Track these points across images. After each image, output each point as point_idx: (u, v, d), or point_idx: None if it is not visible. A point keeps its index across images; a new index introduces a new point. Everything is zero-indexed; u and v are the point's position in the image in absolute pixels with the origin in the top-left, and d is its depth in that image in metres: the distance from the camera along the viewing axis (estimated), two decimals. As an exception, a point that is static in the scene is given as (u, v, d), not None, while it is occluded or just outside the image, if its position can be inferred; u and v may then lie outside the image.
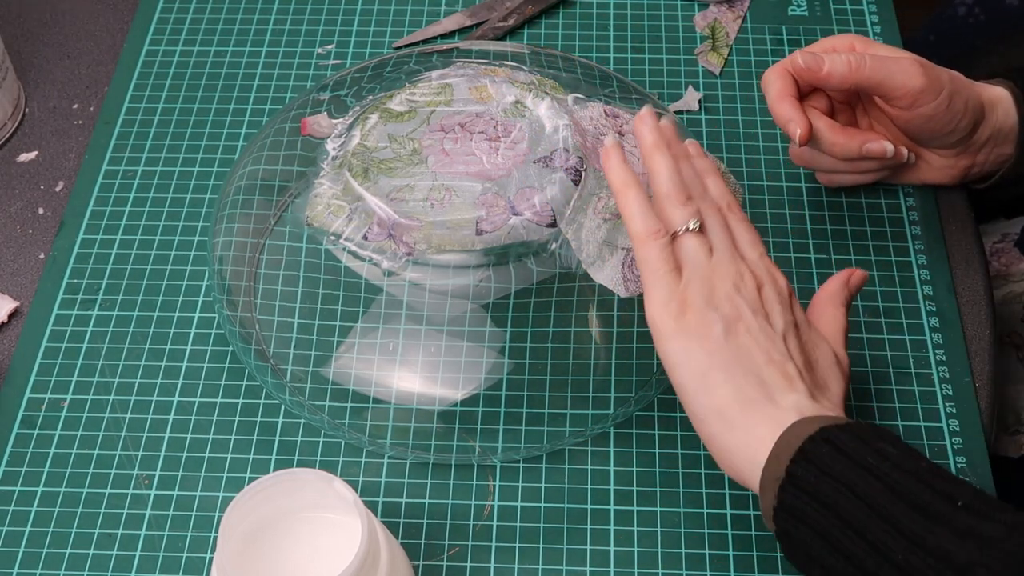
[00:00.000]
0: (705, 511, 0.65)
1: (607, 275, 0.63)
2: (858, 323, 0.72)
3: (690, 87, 0.84)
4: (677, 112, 0.82)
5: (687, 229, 0.60)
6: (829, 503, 0.53)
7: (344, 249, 0.64)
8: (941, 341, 0.71)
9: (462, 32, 0.89)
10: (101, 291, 0.74)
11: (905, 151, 0.73)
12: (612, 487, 0.66)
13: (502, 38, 0.88)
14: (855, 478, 0.53)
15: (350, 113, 0.69)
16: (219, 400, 0.69)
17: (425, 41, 0.88)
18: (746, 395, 0.57)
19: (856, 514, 0.53)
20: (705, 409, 0.57)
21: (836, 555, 0.53)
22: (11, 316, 0.74)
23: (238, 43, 0.88)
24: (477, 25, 0.89)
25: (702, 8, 0.88)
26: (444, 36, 0.88)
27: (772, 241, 0.76)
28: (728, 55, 0.85)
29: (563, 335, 0.67)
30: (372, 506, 0.65)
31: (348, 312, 0.66)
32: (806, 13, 0.89)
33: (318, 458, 0.67)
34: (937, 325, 0.72)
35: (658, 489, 0.66)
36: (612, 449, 0.67)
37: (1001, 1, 1.15)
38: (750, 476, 0.56)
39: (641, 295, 0.60)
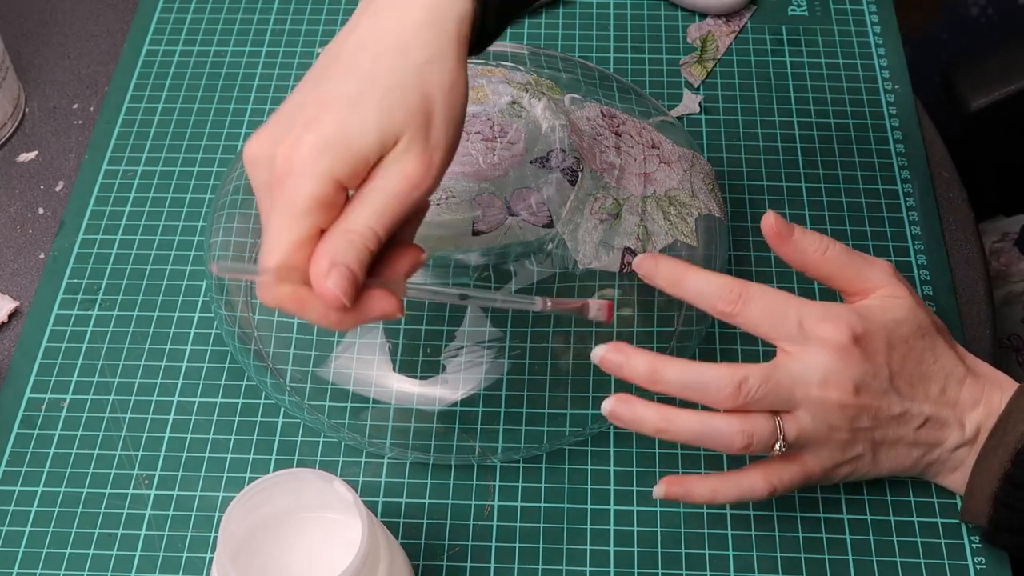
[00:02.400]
0: (705, 511, 0.65)
1: (605, 275, 0.63)
2: (858, 323, 0.72)
3: (687, 91, 0.83)
4: (678, 117, 0.82)
5: (780, 447, 0.58)
6: None
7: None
8: (941, 341, 0.71)
9: (462, 32, 0.88)
10: (101, 291, 0.74)
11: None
12: (612, 487, 0.66)
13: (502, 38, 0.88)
14: None
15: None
16: (219, 400, 0.69)
17: (425, 41, 0.88)
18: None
19: None
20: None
21: None
22: (11, 316, 0.74)
23: (238, 43, 0.88)
24: (477, 25, 0.89)
25: (701, 19, 0.88)
26: (444, 36, 0.88)
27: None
28: (712, 68, 0.85)
29: (562, 335, 0.67)
30: (372, 506, 0.65)
31: (347, 312, 0.65)
32: (806, 13, 0.89)
33: (318, 458, 0.67)
34: (937, 325, 0.72)
35: (658, 489, 0.66)
36: (612, 449, 0.67)
37: (1014, 1, 1.15)
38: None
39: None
